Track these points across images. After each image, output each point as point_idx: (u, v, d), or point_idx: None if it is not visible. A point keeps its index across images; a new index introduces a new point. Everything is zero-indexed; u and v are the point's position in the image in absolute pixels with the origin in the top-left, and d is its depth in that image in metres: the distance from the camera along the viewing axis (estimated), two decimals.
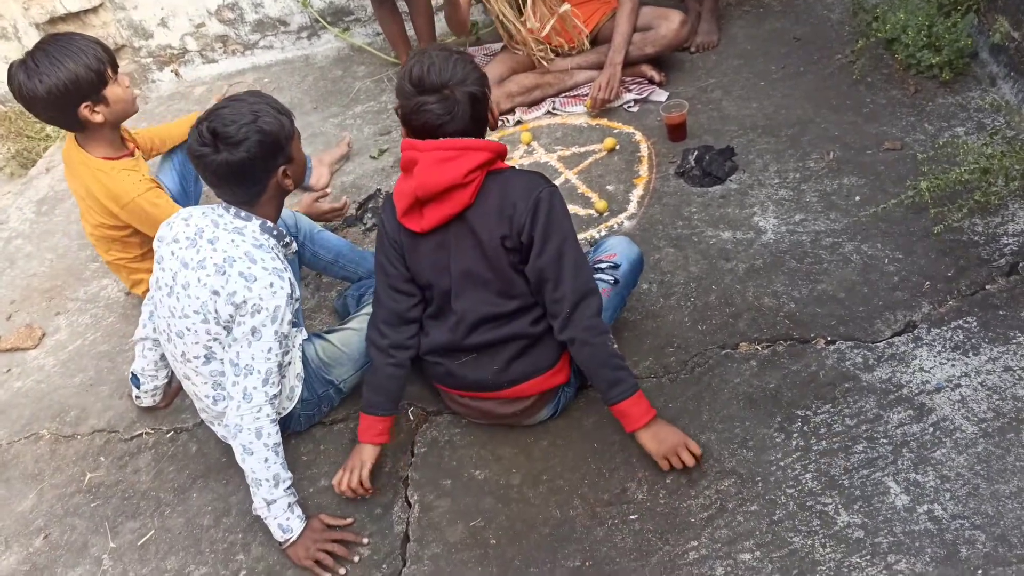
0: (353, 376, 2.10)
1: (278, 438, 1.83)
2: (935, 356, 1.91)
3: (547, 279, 1.77)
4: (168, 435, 2.27)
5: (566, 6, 3.03)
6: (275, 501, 1.81)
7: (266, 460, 1.80)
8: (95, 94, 2.19)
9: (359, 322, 2.09)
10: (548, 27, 3.06)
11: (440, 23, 3.62)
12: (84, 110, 2.19)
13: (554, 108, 3.15)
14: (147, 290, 2.26)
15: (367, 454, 1.91)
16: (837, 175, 2.47)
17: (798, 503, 1.70)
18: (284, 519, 1.82)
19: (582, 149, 2.93)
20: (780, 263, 2.25)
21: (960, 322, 1.96)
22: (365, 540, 1.86)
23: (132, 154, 2.37)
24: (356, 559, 1.83)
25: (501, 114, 3.15)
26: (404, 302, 1.90)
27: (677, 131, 2.78)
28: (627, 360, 1.86)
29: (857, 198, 2.38)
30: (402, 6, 3.44)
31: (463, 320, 1.85)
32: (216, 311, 1.79)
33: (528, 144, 3.01)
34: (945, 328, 1.96)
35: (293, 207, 2.54)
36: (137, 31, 4.05)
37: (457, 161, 1.71)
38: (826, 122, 2.68)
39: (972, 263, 2.09)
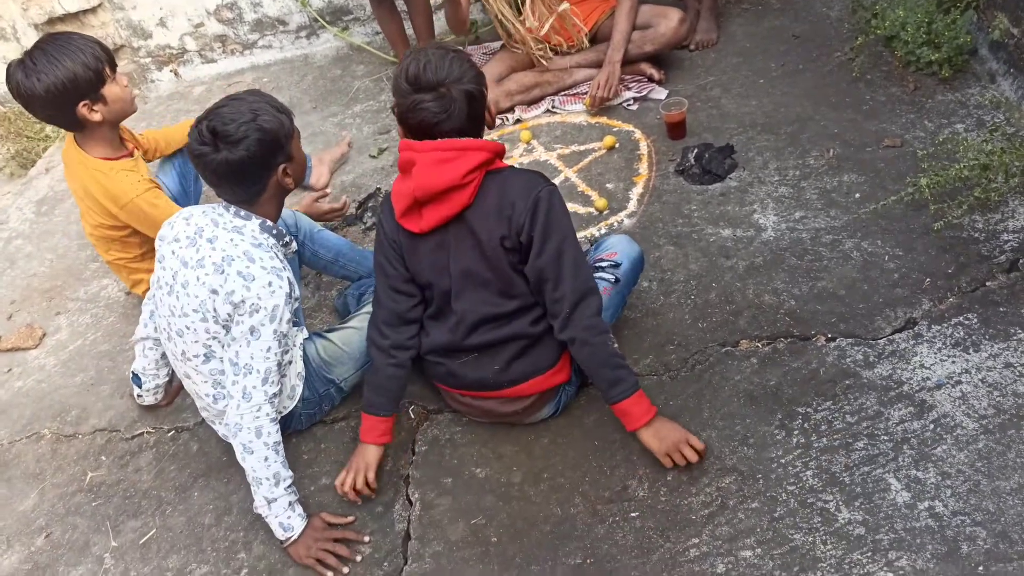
0: (354, 375, 2.10)
1: (278, 437, 1.83)
2: (935, 353, 1.91)
3: (547, 279, 1.77)
4: (169, 434, 2.27)
5: (565, 5, 3.02)
6: (276, 500, 1.81)
7: (266, 459, 1.80)
8: (93, 93, 2.19)
9: (359, 321, 2.09)
10: (547, 26, 3.06)
11: (439, 22, 3.62)
12: (82, 109, 2.19)
13: (553, 106, 3.15)
14: (147, 290, 2.26)
15: (371, 455, 1.91)
16: (837, 172, 2.47)
17: (799, 500, 1.70)
18: (285, 517, 1.82)
19: (582, 147, 2.92)
20: (780, 260, 2.25)
21: (960, 319, 1.96)
22: (366, 538, 1.87)
23: (131, 155, 2.37)
24: (358, 558, 1.83)
25: (500, 113, 3.15)
26: (404, 302, 1.89)
27: (677, 129, 2.78)
28: (628, 358, 1.86)
29: (857, 195, 2.38)
30: (401, 5, 3.44)
31: (463, 320, 1.85)
32: (215, 310, 1.79)
33: (528, 142, 3.01)
34: (945, 325, 1.96)
35: (293, 207, 2.54)
36: (136, 31, 4.05)
37: (456, 162, 1.70)
38: (826, 119, 2.68)
39: (972, 260, 2.09)
